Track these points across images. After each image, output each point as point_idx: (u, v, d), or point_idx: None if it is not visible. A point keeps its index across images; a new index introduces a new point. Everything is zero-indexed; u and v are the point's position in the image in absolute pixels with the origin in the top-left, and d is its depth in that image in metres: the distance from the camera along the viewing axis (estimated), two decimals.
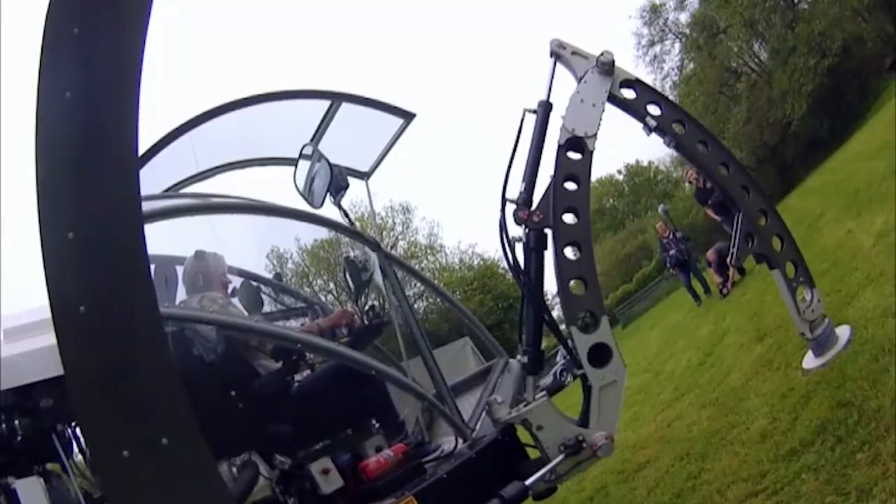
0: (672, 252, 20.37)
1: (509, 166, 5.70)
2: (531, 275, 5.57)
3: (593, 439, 5.16)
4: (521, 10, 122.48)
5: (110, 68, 2.90)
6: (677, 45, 51.58)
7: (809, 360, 6.67)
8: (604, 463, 9.03)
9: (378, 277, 6.55)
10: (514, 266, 5.61)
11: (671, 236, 20.60)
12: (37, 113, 2.79)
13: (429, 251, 61.30)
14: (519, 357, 5.77)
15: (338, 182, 6.47)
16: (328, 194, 6.50)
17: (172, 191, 7.47)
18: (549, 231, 5.54)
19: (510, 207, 5.61)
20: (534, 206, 5.58)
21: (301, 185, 6.88)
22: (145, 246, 2.92)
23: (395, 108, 7.59)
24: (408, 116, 7.57)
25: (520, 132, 5.83)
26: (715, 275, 18.63)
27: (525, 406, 5.39)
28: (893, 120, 19.19)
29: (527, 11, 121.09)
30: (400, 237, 60.40)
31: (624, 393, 5.46)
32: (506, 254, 5.64)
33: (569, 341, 5.44)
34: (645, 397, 12.09)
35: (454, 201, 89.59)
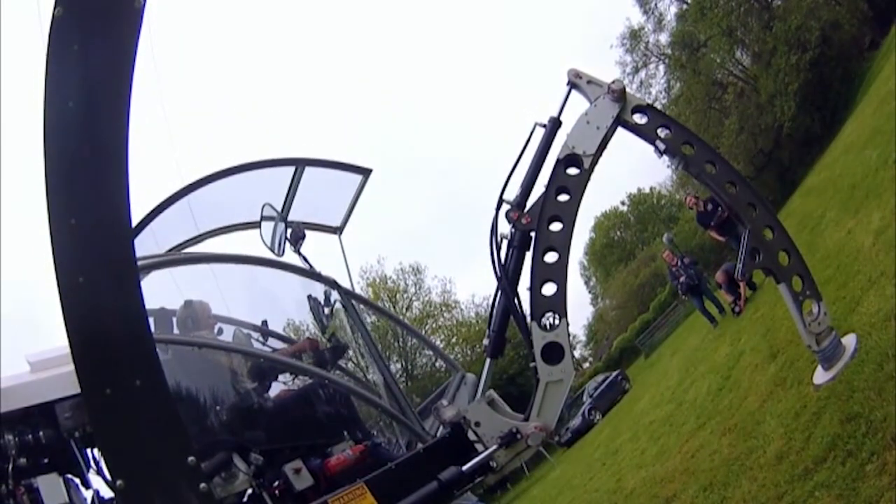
0: (682, 279, 20.30)
1: (512, 171, 6.19)
2: (509, 269, 6.05)
3: (526, 430, 5.57)
4: (507, 54, 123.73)
5: (106, 80, 3.36)
6: (661, 67, 51.71)
7: (819, 376, 6.71)
8: (633, 500, 9.20)
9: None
10: (497, 260, 6.07)
11: (679, 263, 20.56)
12: (44, 119, 3.27)
13: (444, 308, 60.88)
14: (484, 340, 6.29)
15: (296, 233, 7.41)
16: (287, 244, 7.44)
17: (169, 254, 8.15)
18: (534, 234, 5.96)
19: (504, 207, 6.10)
20: (525, 210, 6.03)
21: (266, 238, 7.68)
22: (131, 229, 3.57)
23: (352, 166, 8.41)
24: (365, 172, 8.39)
25: (527, 143, 6.26)
26: (726, 294, 18.63)
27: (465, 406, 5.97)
28: (880, 103, 19.26)
29: (512, 54, 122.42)
30: (414, 298, 60.10)
31: (567, 392, 5.80)
32: (491, 248, 6.09)
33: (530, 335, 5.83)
34: (670, 429, 12.20)
35: (464, 256, 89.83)
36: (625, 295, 66.96)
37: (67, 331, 3.30)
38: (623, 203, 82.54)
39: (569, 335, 5.82)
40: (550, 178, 6.02)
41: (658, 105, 49.14)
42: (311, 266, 7.45)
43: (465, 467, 5.48)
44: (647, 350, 45.75)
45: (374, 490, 5.25)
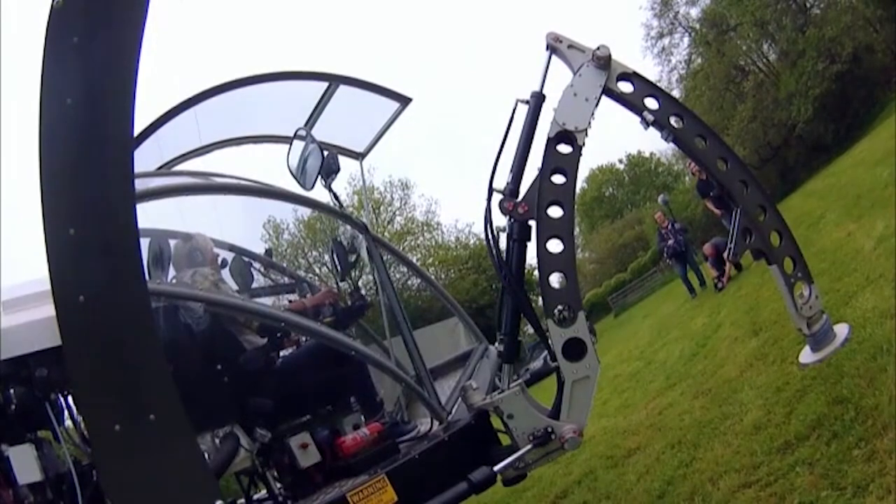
0: (670, 242, 20.38)
1: (498, 156, 5.75)
2: (512, 265, 5.65)
3: (562, 431, 5.24)
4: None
5: (108, 76, 3.11)
6: (686, 40, 51.62)
7: (806, 355, 6.63)
8: (593, 448, 9.01)
9: (365, 259, 6.84)
10: (496, 256, 5.68)
11: (669, 227, 20.63)
12: (39, 117, 3.03)
13: (425, 228, 60.75)
14: (496, 345, 5.87)
15: (329, 166, 6.62)
16: (319, 177, 6.63)
17: (171, 165, 7.75)
18: (533, 223, 5.57)
19: (496, 197, 5.66)
20: (520, 198, 5.62)
21: (294, 166, 7.00)
22: (139, 242, 3.22)
23: (392, 91, 7.78)
24: (403, 101, 7.79)
25: (510, 122, 5.84)
26: (711, 269, 18.67)
27: (498, 394, 5.50)
28: None
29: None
30: (397, 213, 60.01)
31: (595, 388, 5.46)
32: (489, 243, 5.71)
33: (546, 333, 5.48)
34: (636, 384, 12.12)
35: (454, 180, 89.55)
36: (606, 251, 67.32)
37: (67, 356, 3.09)
38: (620, 161, 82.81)
39: (588, 328, 5.49)
40: (543, 160, 5.63)
41: (675, 75, 49.48)
42: (340, 205, 7.01)
43: (496, 468, 5.18)
44: (617, 309, 46.38)
45: (395, 483, 4.95)
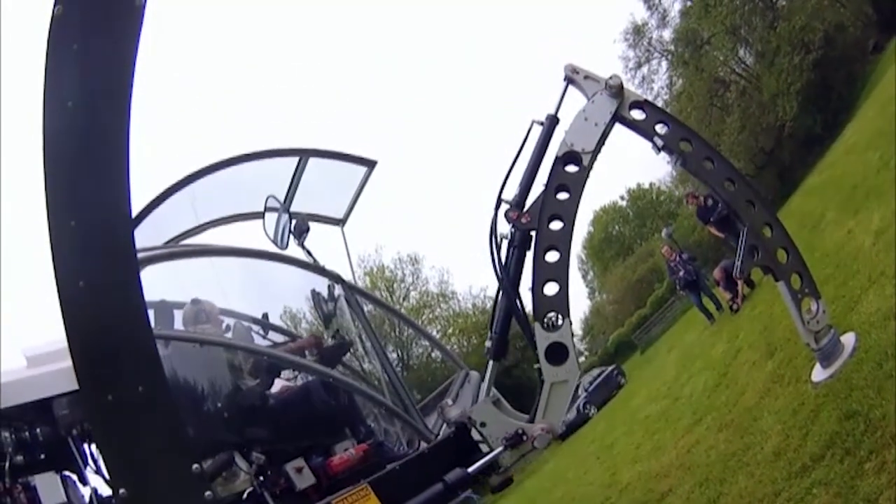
0: (681, 274, 20.39)
1: (510, 170, 6.06)
2: (510, 270, 5.96)
3: (532, 431, 5.53)
4: (509, 46, 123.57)
5: (106, 80, 3.34)
6: (664, 64, 51.66)
7: (818, 373, 6.70)
8: (629, 494, 9.13)
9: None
10: (497, 260, 5.97)
11: (677, 258, 20.64)
12: (43, 119, 3.26)
13: (441, 299, 60.72)
14: (486, 342, 6.15)
15: (300, 226, 7.29)
16: (291, 237, 7.30)
17: (170, 244, 8.11)
18: (534, 233, 5.87)
19: (503, 207, 5.99)
20: (525, 209, 5.93)
21: (269, 230, 7.56)
22: (133, 232, 3.53)
23: (357, 157, 8.31)
24: (370, 164, 8.27)
25: (524, 141, 6.16)
26: (724, 291, 18.63)
27: (470, 406, 5.91)
28: (883, 106, 19.26)
29: (514, 46, 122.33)
30: (411, 288, 60.00)
31: (572, 393, 5.73)
32: (491, 248, 5.99)
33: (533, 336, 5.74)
34: (665, 424, 12.21)
35: (462, 247, 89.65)
36: (622, 290, 66.90)
37: (68, 335, 3.30)
38: (622, 198, 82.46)
39: (572, 335, 5.78)
40: (549, 176, 5.96)
41: (660, 101, 49.42)
42: (314, 260, 7.39)
43: (470, 469, 5.46)
44: (643, 345, 45.99)
45: (378, 491, 5.22)
